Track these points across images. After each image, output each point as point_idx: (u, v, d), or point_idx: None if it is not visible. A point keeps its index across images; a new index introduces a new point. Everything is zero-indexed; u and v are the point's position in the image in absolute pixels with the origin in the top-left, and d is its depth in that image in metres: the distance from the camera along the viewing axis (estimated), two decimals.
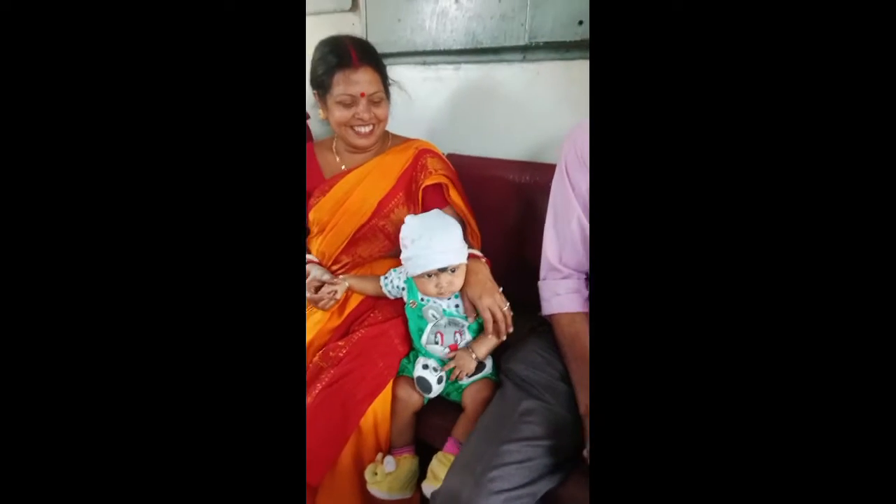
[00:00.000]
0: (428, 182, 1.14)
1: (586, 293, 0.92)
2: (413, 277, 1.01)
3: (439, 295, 0.98)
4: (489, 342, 0.99)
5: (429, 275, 0.97)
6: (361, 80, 1.06)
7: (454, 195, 1.14)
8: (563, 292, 0.92)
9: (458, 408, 0.98)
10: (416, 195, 1.15)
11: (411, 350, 1.06)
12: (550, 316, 0.94)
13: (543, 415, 0.81)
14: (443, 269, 0.96)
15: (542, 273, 0.96)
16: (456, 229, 0.98)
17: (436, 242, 0.93)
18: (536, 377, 0.89)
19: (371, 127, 1.12)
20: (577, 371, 0.84)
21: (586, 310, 0.90)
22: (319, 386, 0.94)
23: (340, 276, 1.09)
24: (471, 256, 1.03)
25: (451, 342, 0.99)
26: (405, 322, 1.07)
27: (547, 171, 1.22)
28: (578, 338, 0.86)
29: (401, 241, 1.00)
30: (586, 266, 0.91)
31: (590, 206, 0.85)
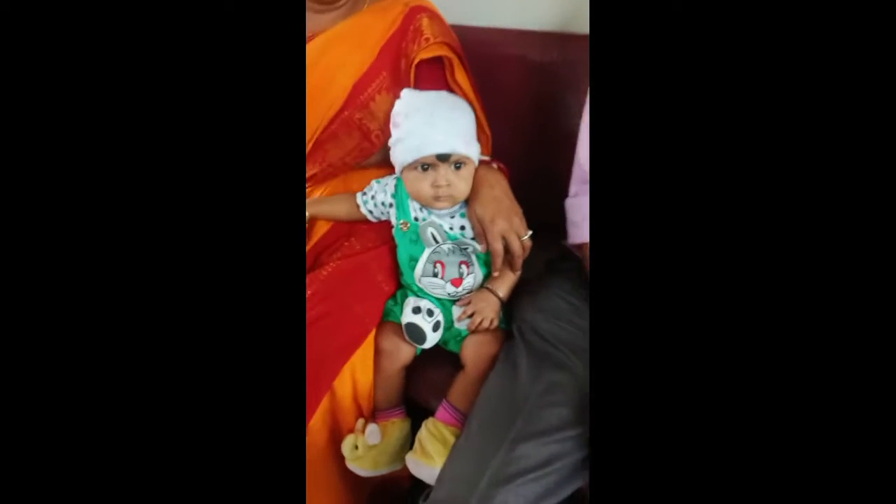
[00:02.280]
0: (424, 55, 0.81)
1: None
2: (402, 174, 0.75)
3: (436, 200, 0.73)
4: (510, 278, 0.76)
5: (423, 167, 0.72)
6: None
7: (461, 76, 0.83)
8: None
9: (457, 360, 0.77)
10: (407, 73, 0.83)
11: (399, 288, 0.83)
12: (580, 245, 0.73)
13: (572, 390, 0.61)
14: (443, 158, 0.70)
15: (573, 188, 0.75)
16: (468, 114, 0.76)
17: (438, 120, 0.71)
18: (561, 333, 0.68)
19: None
20: None
21: None
22: None
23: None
24: (482, 163, 0.77)
25: (454, 275, 0.76)
26: (392, 252, 0.83)
27: (582, 44, 0.92)
28: None
29: (392, 119, 0.74)
30: None
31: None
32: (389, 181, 0.82)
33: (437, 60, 0.83)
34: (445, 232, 0.76)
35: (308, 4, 0.83)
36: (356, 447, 0.75)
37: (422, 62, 0.82)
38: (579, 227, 0.74)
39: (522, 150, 0.98)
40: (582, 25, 1.01)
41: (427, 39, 0.82)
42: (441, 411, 0.74)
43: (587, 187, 0.74)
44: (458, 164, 0.73)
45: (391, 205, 0.81)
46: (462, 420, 0.72)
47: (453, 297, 0.79)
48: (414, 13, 0.84)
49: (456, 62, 0.83)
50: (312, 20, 0.83)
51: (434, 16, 0.86)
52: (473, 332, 0.76)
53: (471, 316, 0.75)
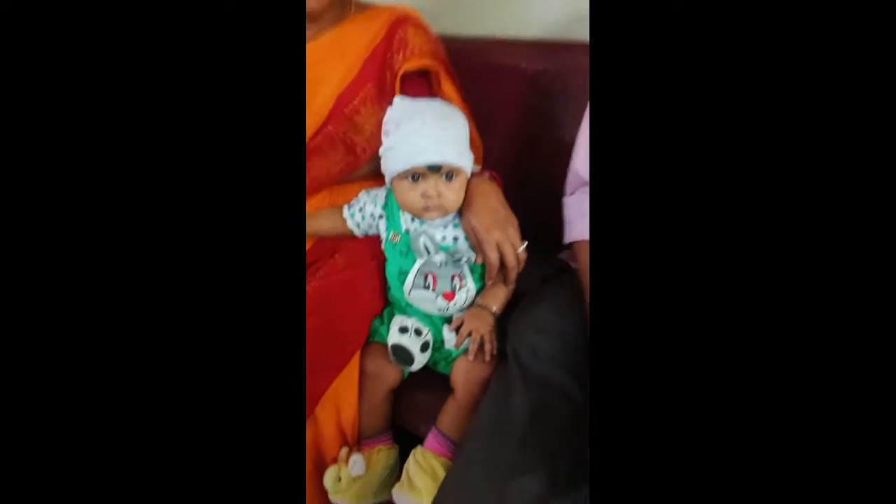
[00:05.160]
0: (409, 66, 0.79)
1: None
2: (392, 183, 0.72)
3: (425, 211, 0.70)
4: (503, 291, 0.73)
5: (414, 177, 0.68)
6: None
7: (448, 87, 0.81)
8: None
9: (447, 382, 0.73)
10: (393, 85, 0.81)
11: (386, 306, 0.79)
12: (575, 243, 0.71)
13: (564, 413, 0.57)
14: (434, 168, 0.67)
15: (569, 187, 0.73)
16: (460, 122, 0.72)
17: (429, 129, 0.68)
18: (559, 356, 0.63)
19: None
20: None
21: None
22: None
23: None
24: (476, 174, 0.74)
25: (447, 289, 0.72)
26: (378, 268, 0.79)
27: (576, 53, 0.90)
28: None
29: (383, 127, 0.71)
30: None
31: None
32: (380, 192, 0.79)
33: (424, 71, 0.81)
34: (438, 243, 0.72)
35: None
36: (339, 479, 0.71)
37: (407, 74, 0.80)
38: (574, 225, 0.71)
39: (516, 159, 0.95)
40: (574, 34, 0.98)
41: (413, 51, 0.80)
42: (430, 439, 0.70)
43: (584, 188, 0.71)
44: (450, 175, 0.70)
45: (381, 216, 0.78)
46: (453, 449, 0.68)
47: (444, 312, 0.74)
48: (399, 23, 0.83)
49: (442, 73, 0.81)
50: None
51: (419, 26, 0.84)
52: (468, 353, 0.72)
53: (468, 336, 0.71)
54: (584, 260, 0.69)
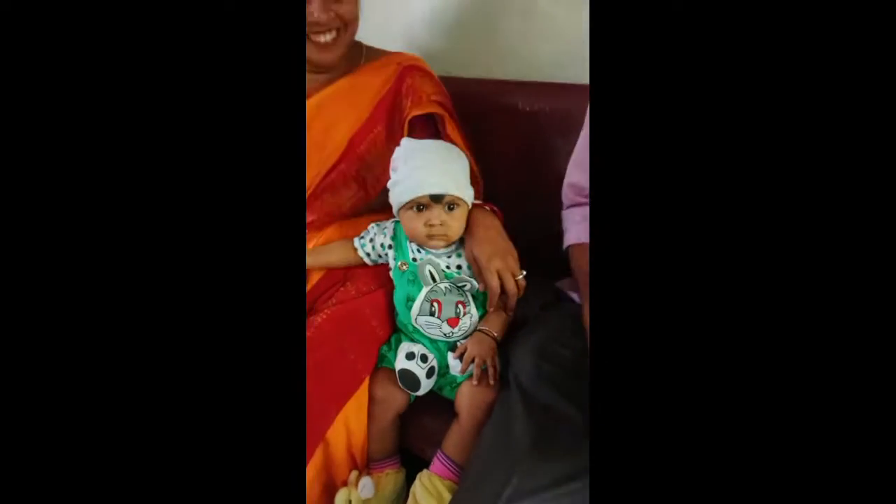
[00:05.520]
0: (417, 111, 0.86)
1: None
2: (399, 214, 0.78)
3: (430, 239, 0.75)
4: (504, 318, 0.77)
5: (419, 207, 0.75)
6: None
7: (452, 129, 0.87)
8: (584, 219, 0.77)
9: (452, 406, 0.76)
10: (401, 128, 0.87)
11: (393, 333, 0.83)
12: (571, 247, 0.77)
13: (570, 443, 0.59)
14: (437, 199, 0.73)
15: (566, 201, 0.81)
16: (462, 160, 0.80)
17: (433, 164, 0.76)
18: (552, 375, 0.66)
19: (334, 33, 0.82)
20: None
21: None
22: None
23: None
24: (477, 206, 0.80)
25: (451, 315, 0.76)
26: (386, 296, 0.83)
27: (570, 93, 0.96)
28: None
29: (391, 164, 0.78)
30: None
31: (590, 201, 0.71)
32: (388, 224, 0.84)
33: (429, 115, 0.87)
34: (443, 270, 0.77)
35: (307, 66, 0.87)
36: (349, 501, 0.73)
37: (414, 117, 0.86)
38: (570, 232, 0.77)
39: (515, 194, 0.99)
40: (572, 73, 1.04)
41: (420, 97, 0.87)
42: (436, 463, 0.72)
43: (578, 200, 0.77)
44: (452, 206, 0.76)
45: (391, 246, 0.82)
46: (458, 472, 0.70)
47: (449, 338, 0.78)
48: (407, 72, 0.89)
49: (447, 118, 0.87)
50: (310, 80, 0.88)
51: (426, 74, 0.91)
52: (472, 379, 0.75)
53: (472, 361, 0.74)
54: (579, 261, 0.74)
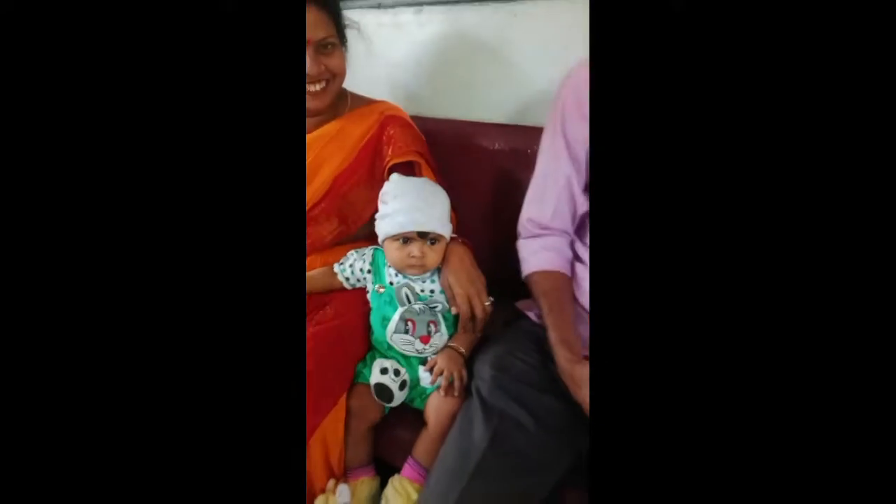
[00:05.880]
0: (397, 159, 0.97)
1: (569, 254, 0.84)
2: (384, 243, 0.87)
3: (409, 268, 0.85)
4: (471, 337, 0.86)
5: (404, 240, 0.83)
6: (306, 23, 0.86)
7: (428, 174, 0.98)
8: (541, 249, 0.84)
9: (422, 419, 0.83)
10: (381, 173, 0.98)
11: (369, 351, 0.91)
12: (529, 275, 0.84)
13: (523, 442, 0.66)
14: (422, 235, 0.83)
15: (523, 232, 0.88)
16: (445, 200, 0.89)
17: (422, 203, 0.84)
18: (514, 389, 0.74)
19: (324, 83, 0.93)
20: (554, 322, 0.75)
21: (568, 272, 0.83)
22: None
23: None
24: (453, 239, 0.90)
25: (424, 333, 0.84)
26: (363, 318, 0.91)
27: (532, 134, 1.06)
28: (557, 290, 0.79)
29: (380, 197, 0.87)
30: (570, 227, 0.85)
31: (590, 198, 0.77)
32: (367, 251, 0.93)
33: (409, 162, 0.98)
34: (417, 294, 0.85)
35: None
36: None
37: (395, 164, 0.97)
38: (527, 262, 0.85)
39: (485, 227, 1.09)
40: (533, 116, 1.14)
41: (399, 146, 0.98)
42: (407, 468, 0.79)
43: (535, 231, 0.85)
44: (433, 240, 0.85)
45: (369, 271, 0.91)
46: (426, 475, 0.76)
47: (421, 354, 0.86)
48: (388, 121, 1.01)
49: (423, 164, 0.98)
50: None
51: (406, 124, 1.03)
52: (440, 390, 0.82)
53: (441, 374, 0.82)
54: (542, 286, 0.81)
